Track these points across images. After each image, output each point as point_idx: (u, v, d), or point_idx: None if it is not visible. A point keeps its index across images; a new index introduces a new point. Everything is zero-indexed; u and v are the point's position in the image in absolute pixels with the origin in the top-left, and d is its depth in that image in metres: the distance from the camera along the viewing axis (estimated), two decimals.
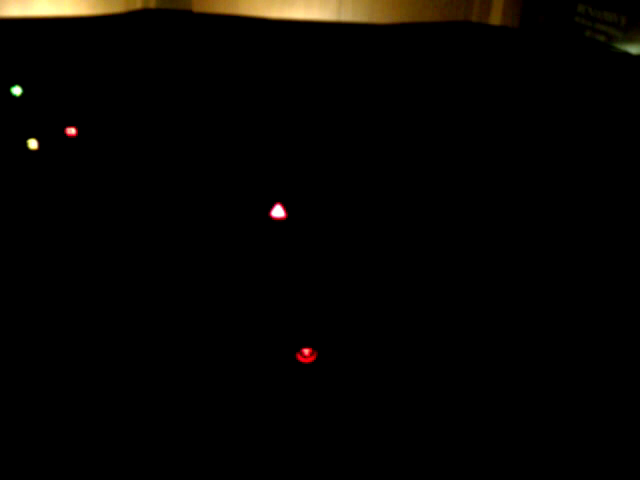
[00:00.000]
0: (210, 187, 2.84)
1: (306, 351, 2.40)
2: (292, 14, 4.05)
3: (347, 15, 4.01)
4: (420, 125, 3.16)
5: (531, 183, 3.05)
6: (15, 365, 2.18)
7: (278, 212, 2.71)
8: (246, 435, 2.15)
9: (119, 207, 2.73)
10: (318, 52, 3.64)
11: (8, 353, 2.21)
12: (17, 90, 3.01)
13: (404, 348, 2.46)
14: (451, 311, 2.53)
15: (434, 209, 2.92)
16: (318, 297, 2.52)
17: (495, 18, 4.17)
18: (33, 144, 2.82)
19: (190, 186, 2.83)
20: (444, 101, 3.26)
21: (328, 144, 3.03)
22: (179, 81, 3.06)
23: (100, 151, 2.87)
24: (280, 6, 4.06)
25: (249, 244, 2.66)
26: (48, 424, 2.05)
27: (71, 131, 2.77)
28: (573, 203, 2.94)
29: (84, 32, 3.57)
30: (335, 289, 2.55)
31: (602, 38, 4.06)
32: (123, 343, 2.30)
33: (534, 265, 2.68)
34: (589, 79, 3.52)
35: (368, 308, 2.51)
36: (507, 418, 2.22)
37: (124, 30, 3.71)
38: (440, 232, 2.80)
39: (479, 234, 2.77)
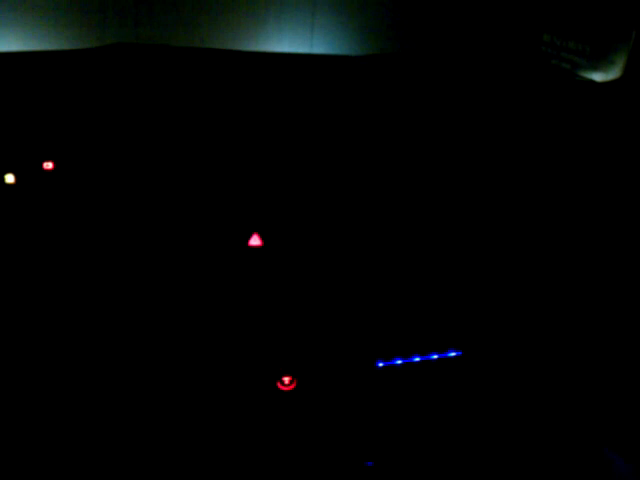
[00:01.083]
0: (188, 219, 2.85)
1: (286, 379, 2.41)
2: (265, 47, 4.10)
3: (319, 47, 4.08)
4: (394, 152, 3.21)
5: (497, 211, 3.10)
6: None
7: (255, 241, 2.74)
8: (227, 462, 2.15)
9: (97, 239, 2.73)
10: (291, 83, 3.69)
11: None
12: None
13: (385, 373, 2.48)
14: (434, 331, 2.56)
15: (408, 236, 2.96)
16: (297, 325, 2.54)
17: None
18: (10, 178, 2.82)
19: (168, 217, 2.84)
20: (416, 128, 3.32)
21: (304, 174, 3.06)
22: (155, 114, 3.09)
23: (77, 185, 2.87)
24: (253, 39, 4.12)
25: (227, 273, 2.67)
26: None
27: (48, 165, 2.78)
28: (540, 232, 2.99)
29: (57, 67, 3.57)
30: (314, 316, 2.56)
31: (567, 66, 4.16)
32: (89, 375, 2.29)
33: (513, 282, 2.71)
34: (554, 106, 3.61)
35: (348, 335, 2.53)
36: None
37: (98, 64, 3.72)
38: (418, 257, 2.84)
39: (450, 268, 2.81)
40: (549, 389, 2.52)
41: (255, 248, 2.70)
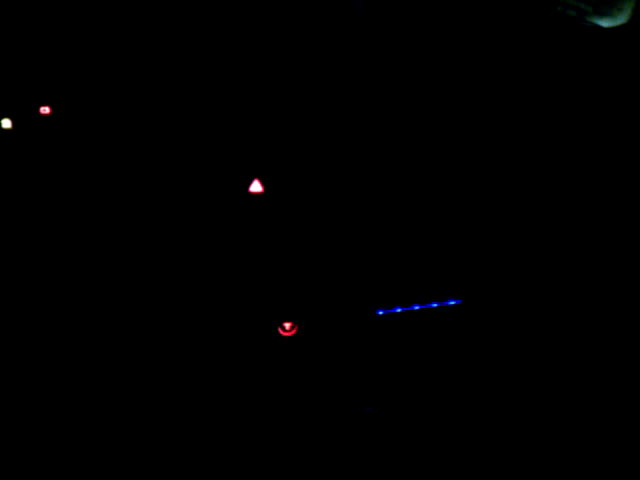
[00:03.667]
0: (189, 165, 2.82)
1: (287, 325, 2.42)
2: None
3: None
4: (395, 102, 3.16)
5: (497, 163, 3.08)
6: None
7: (256, 187, 2.71)
8: (229, 411, 2.17)
9: (96, 186, 2.71)
10: (288, 32, 3.60)
11: None
12: None
13: (385, 321, 2.49)
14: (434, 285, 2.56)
15: (412, 189, 2.94)
16: (298, 271, 2.54)
17: None
18: (6, 123, 2.78)
19: (169, 164, 2.81)
20: (418, 73, 3.26)
21: (303, 125, 3.02)
22: (155, 56, 3.03)
23: (76, 130, 2.84)
24: None
25: (228, 220, 2.66)
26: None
27: (45, 110, 2.74)
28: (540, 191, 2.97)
29: (54, 8, 3.50)
30: (315, 263, 2.56)
31: (573, 13, 4.07)
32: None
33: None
34: (561, 52, 3.55)
35: (349, 282, 2.53)
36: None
37: (98, 4, 3.64)
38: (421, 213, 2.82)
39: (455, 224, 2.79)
40: (548, 338, 2.53)
41: (256, 195, 2.68)
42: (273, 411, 2.24)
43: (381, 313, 2.48)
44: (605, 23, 3.81)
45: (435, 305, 2.51)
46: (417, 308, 2.51)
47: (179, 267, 2.47)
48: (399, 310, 2.49)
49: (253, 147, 2.81)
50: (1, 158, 2.66)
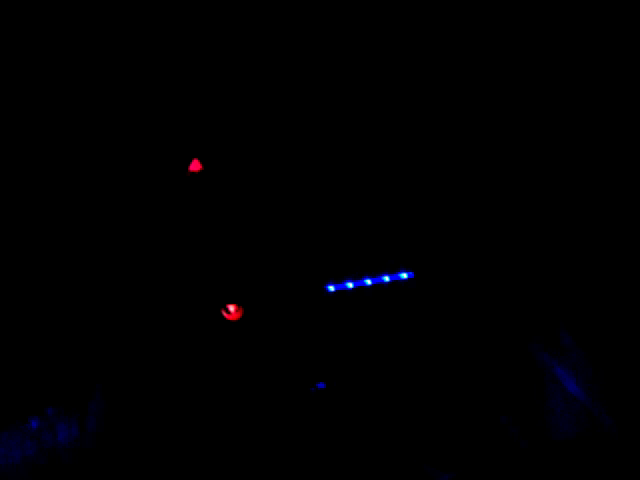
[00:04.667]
0: (125, 144, 2.71)
1: (231, 308, 2.32)
2: None
3: None
4: (373, 81, 3.07)
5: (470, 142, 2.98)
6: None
7: (195, 166, 2.61)
8: (178, 394, 2.09)
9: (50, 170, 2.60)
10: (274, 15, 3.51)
11: None
12: None
13: (336, 297, 2.39)
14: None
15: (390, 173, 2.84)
16: (244, 253, 2.44)
17: None
18: None
19: (103, 144, 2.70)
20: (395, 45, 3.16)
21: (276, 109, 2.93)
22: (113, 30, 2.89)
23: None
24: None
25: (171, 202, 2.55)
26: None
27: None
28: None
29: None
30: (262, 244, 2.46)
31: None
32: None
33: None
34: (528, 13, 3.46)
35: (296, 264, 2.43)
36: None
37: None
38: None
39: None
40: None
41: (195, 173, 2.57)
42: (222, 394, 2.15)
43: (332, 288, 2.38)
44: None
45: (387, 277, 2.41)
46: (369, 281, 2.40)
47: (114, 247, 2.37)
48: (350, 284, 2.38)
49: (192, 126, 2.70)
50: None
